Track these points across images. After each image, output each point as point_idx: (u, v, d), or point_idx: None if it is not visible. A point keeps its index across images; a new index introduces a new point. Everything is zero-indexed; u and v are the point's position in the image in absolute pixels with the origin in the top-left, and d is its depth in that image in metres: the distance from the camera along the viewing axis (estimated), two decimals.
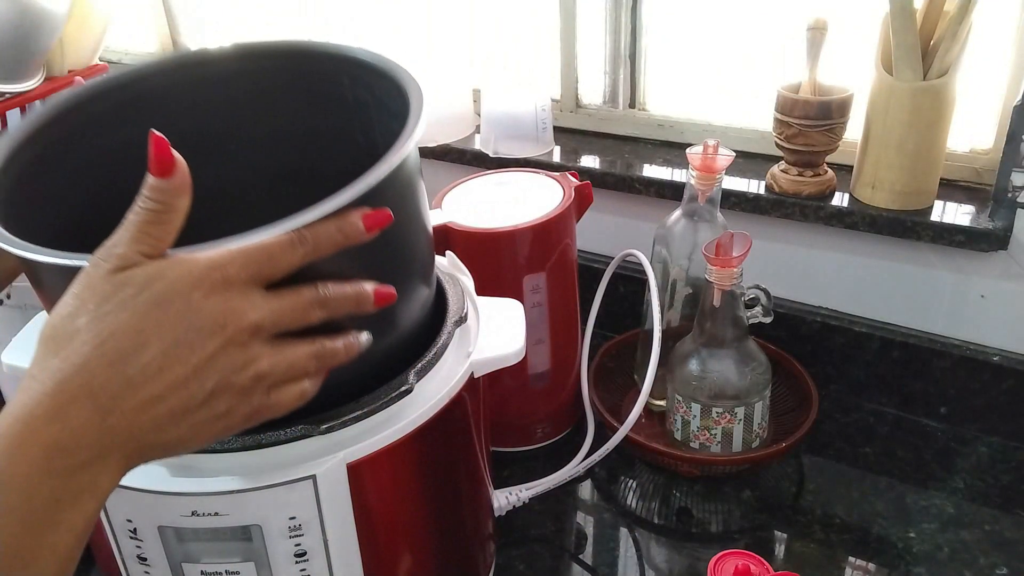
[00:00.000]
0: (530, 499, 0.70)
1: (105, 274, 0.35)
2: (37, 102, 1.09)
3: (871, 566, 0.67)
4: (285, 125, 0.58)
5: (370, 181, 0.41)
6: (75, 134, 0.52)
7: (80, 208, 0.53)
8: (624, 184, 0.90)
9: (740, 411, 0.72)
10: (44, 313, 0.56)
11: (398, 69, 0.50)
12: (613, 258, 0.83)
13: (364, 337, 0.43)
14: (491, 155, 0.96)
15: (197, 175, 0.55)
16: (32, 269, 0.42)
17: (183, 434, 0.36)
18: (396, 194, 0.45)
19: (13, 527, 0.33)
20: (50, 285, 0.41)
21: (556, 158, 0.95)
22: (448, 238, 0.70)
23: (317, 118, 0.57)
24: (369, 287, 0.42)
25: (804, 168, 0.80)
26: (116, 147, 0.54)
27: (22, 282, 0.71)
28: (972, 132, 0.80)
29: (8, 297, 0.73)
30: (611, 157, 0.94)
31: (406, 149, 0.43)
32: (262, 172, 0.59)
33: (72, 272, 0.37)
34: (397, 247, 0.47)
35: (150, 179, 0.36)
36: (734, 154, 0.72)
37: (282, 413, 0.40)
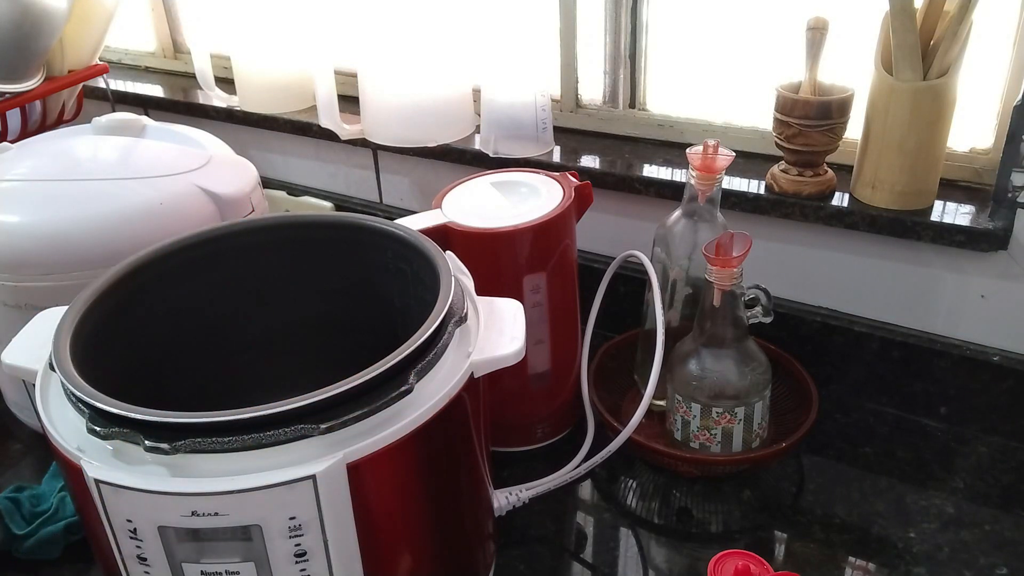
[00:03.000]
0: (530, 499, 0.70)
1: None
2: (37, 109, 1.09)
3: (871, 566, 0.67)
4: (331, 283, 0.66)
5: (394, 358, 0.47)
6: (148, 286, 0.59)
7: (148, 352, 0.59)
8: (624, 184, 0.90)
9: (740, 411, 0.72)
10: (45, 313, 0.56)
11: (434, 250, 0.58)
12: (614, 258, 0.83)
13: None
14: (491, 155, 0.96)
15: (251, 321, 0.64)
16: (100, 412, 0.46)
17: None
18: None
19: None
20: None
21: (556, 158, 0.95)
22: (448, 238, 0.69)
23: (360, 280, 0.65)
24: None
25: (804, 168, 0.81)
26: (183, 299, 0.61)
27: (22, 282, 0.72)
28: (972, 132, 0.80)
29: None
30: (611, 157, 0.94)
31: (433, 326, 0.49)
32: (307, 320, 0.67)
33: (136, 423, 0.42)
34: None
35: None
36: (734, 154, 0.72)
37: None
